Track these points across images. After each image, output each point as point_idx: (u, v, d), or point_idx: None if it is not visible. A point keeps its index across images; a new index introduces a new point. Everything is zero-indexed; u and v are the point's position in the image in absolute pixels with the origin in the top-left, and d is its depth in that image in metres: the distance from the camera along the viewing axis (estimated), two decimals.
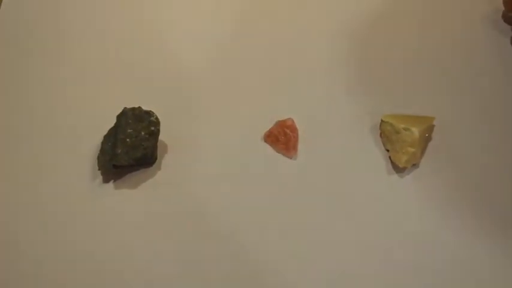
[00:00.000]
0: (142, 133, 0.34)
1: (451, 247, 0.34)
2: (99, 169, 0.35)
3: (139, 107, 0.35)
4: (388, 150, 0.36)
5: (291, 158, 0.36)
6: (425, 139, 0.36)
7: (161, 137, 0.36)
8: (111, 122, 0.35)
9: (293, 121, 0.37)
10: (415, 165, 0.36)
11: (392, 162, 0.36)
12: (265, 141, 0.36)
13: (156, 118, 0.35)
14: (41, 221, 0.33)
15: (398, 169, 0.36)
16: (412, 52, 0.40)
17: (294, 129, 0.36)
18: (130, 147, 0.34)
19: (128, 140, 0.34)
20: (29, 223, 0.33)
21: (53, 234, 0.33)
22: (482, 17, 0.42)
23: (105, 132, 0.36)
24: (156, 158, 0.35)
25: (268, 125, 0.37)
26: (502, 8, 0.42)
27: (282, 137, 0.36)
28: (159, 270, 0.32)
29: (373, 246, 0.33)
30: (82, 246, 0.33)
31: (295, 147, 0.36)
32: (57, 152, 0.35)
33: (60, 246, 0.33)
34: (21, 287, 0.31)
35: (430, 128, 0.37)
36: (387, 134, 0.36)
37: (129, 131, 0.34)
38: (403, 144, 0.35)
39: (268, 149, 0.36)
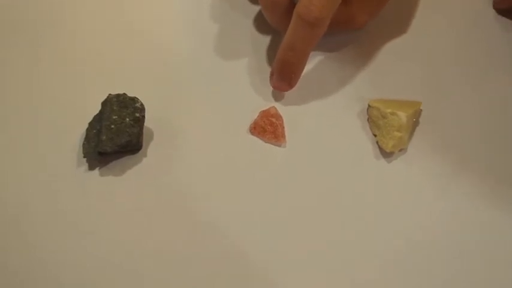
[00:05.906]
0: (127, 119, 0.34)
1: (438, 232, 0.33)
2: (84, 156, 0.34)
3: (123, 93, 0.35)
4: (375, 135, 0.36)
5: (280, 146, 0.36)
6: (413, 124, 0.36)
7: (147, 124, 0.36)
8: (96, 109, 0.35)
9: (276, 109, 0.36)
10: (402, 150, 0.36)
11: (379, 147, 0.36)
12: (252, 133, 0.36)
13: (141, 104, 0.35)
14: (27, 209, 0.33)
15: (385, 154, 0.35)
16: (399, 37, 0.40)
17: (278, 117, 0.36)
18: (115, 134, 0.34)
19: (112, 126, 0.34)
20: (13, 211, 0.33)
21: (38, 222, 0.33)
22: (471, 4, 0.42)
23: (90, 119, 0.35)
24: (141, 145, 0.35)
25: (251, 115, 0.36)
26: None
27: (269, 127, 0.36)
28: (145, 258, 0.32)
29: (362, 231, 0.33)
30: (68, 234, 0.32)
31: (283, 135, 0.36)
32: (42, 140, 0.35)
33: (46, 234, 0.32)
34: (5, 276, 0.31)
35: (418, 113, 0.36)
36: (374, 119, 0.36)
37: (113, 117, 0.34)
38: (390, 129, 0.35)
39: (256, 139, 0.36)
